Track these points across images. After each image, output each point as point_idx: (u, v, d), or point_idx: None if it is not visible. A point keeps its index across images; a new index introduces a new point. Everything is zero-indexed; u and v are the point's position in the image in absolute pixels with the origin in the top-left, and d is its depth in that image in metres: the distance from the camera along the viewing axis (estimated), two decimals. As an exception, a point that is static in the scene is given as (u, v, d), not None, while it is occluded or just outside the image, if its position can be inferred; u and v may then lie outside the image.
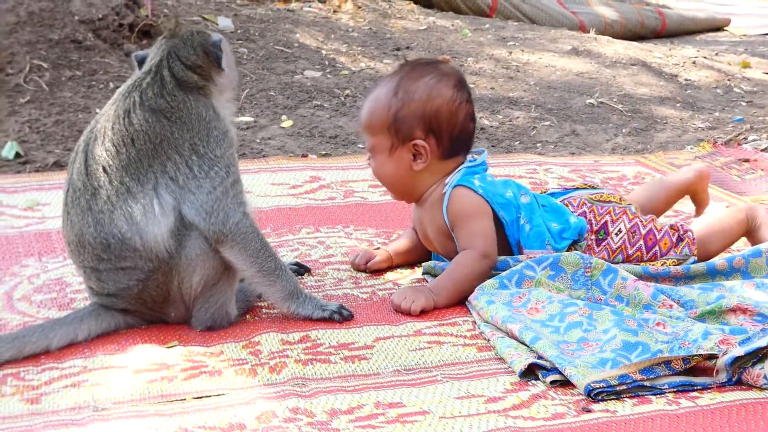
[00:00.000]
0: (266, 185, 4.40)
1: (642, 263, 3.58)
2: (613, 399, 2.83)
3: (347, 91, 5.95)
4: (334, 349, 3.06)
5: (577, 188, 3.80)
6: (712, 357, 2.91)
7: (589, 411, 2.76)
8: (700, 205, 4.09)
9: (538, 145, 5.38)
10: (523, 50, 7.38)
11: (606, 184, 4.59)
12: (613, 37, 8.60)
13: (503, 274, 3.37)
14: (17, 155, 4.69)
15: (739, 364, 2.90)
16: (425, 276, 3.60)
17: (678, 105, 6.37)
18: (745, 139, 5.50)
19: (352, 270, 3.65)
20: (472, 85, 6.12)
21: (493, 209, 3.46)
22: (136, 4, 6.17)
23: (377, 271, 3.64)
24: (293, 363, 2.95)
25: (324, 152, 5.00)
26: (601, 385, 2.81)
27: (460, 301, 3.38)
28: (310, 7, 8.05)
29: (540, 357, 2.96)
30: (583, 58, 7.31)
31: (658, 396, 2.85)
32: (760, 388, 2.90)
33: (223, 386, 2.84)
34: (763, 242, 3.69)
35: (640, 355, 2.95)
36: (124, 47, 5.96)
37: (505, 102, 6.06)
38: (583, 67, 7.08)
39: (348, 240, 3.91)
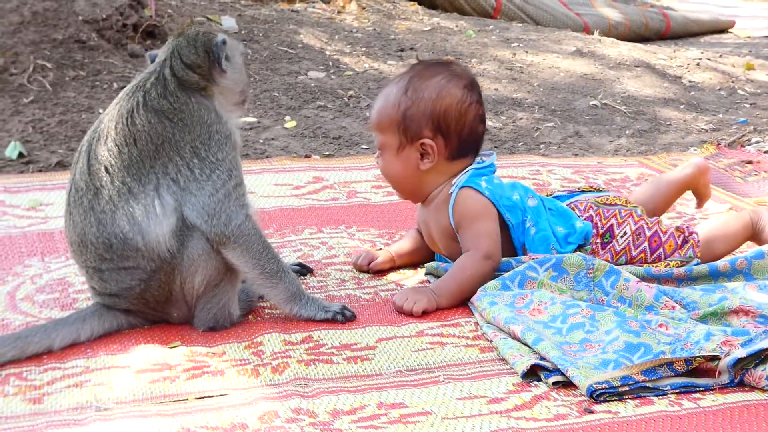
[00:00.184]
0: (269, 186, 4.40)
1: (645, 265, 3.58)
2: (616, 400, 2.83)
3: (351, 92, 5.95)
4: (336, 349, 3.06)
5: (583, 191, 3.79)
6: (715, 358, 2.91)
7: (591, 412, 2.76)
8: (701, 198, 4.07)
9: (542, 146, 5.38)
10: (527, 51, 7.38)
11: (609, 186, 4.59)
12: (617, 39, 8.59)
13: (506, 275, 3.37)
14: (20, 155, 4.70)
15: (742, 365, 2.90)
16: (428, 277, 3.60)
17: (682, 107, 6.37)
18: (749, 140, 5.50)
19: (354, 271, 3.65)
20: (475, 86, 6.10)
21: (499, 211, 3.46)
22: (140, 4, 6.18)
23: (380, 272, 3.64)
24: (296, 363, 2.95)
25: (327, 153, 5.00)
26: (604, 386, 2.81)
27: (462, 303, 3.38)
28: (314, 7, 8.05)
29: (542, 358, 2.96)
30: (587, 60, 7.31)
31: (661, 397, 2.85)
32: (763, 390, 2.90)
33: (226, 386, 2.84)
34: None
35: (643, 356, 2.94)
36: (127, 47, 5.97)
37: (509, 103, 6.06)
38: (587, 68, 7.07)
39: (351, 241, 3.91)
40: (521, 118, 5.79)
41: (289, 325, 3.18)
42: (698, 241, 3.64)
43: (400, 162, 3.48)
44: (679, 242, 3.63)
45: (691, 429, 2.71)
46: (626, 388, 2.83)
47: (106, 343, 3.07)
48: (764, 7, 12.97)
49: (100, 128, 3.09)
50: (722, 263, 3.53)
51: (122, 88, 5.31)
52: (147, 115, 3.03)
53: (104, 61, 5.78)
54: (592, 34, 8.68)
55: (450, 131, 3.45)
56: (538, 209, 3.53)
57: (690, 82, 7.06)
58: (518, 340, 3.08)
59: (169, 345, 3.06)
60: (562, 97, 6.29)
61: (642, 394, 2.85)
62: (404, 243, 3.73)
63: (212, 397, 2.79)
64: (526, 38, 7.90)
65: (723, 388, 2.91)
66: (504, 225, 3.48)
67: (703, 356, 2.91)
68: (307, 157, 4.90)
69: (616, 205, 3.65)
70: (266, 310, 3.31)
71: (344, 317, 3.23)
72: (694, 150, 5.33)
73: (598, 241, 3.57)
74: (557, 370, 2.91)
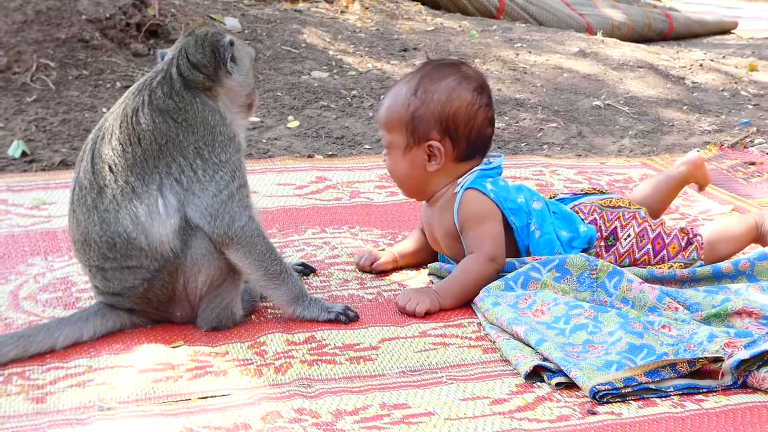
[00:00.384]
0: (272, 185, 4.40)
1: (649, 266, 3.57)
2: (619, 401, 2.83)
3: (354, 92, 5.95)
4: (339, 350, 3.06)
5: (586, 193, 3.78)
6: (718, 360, 2.91)
7: (594, 413, 2.76)
8: (701, 186, 4.07)
9: (545, 146, 5.38)
10: (530, 52, 7.38)
11: (612, 186, 4.58)
12: (621, 40, 8.59)
13: (509, 275, 3.37)
14: (24, 154, 4.70)
15: (745, 367, 2.90)
16: (431, 277, 3.60)
17: (684, 107, 6.37)
18: (752, 142, 5.50)
19: (357, 271, 3.65)
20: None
21: (503, 214, 3.45)
22: (144, 3, 6.17)
23: (383, 272, 3.64)
24: (298, 363, 2.95)
25: (330, 153, 5.00)
26: (607, 387, 2.81)
27: (465, 304, 3.38)
28: (317, 7, 8.05)
29: (545, 359, 2.96)
30: (590, 60, 7.31)
31: (664, 399, 2.85)
32: (765, 392, 2.90)
33: (229, 386, 2.84)
34: (772, 246, 3.69)
35: (646, 357, 2.94)
36: (131, 47, 5.97)
37: (512, 103, 6.05)
38: (590, 69, 7.07)
39: (353, 241, 3.90)
40: (524, 119, 5.79)
41: (292, 325, 3.18)
42: (702, 243, 3.64)
43: (406, 162, 3.48)
44: (683, 244, 3.63)
45: (694, 431, 2.71)
46: (629, 390, 2.83)
47: (109, 342, 3.07)
48: (767, 8, 12.96)
49: (104, 127, 3.09)
50: (725, 265, 3.53)
51: (125, 87, 5.34)
52: (152, 115, 3.03)
53: (107, 61, 5.78)
54: (595, 34, 8.68)
55: (458, 134, 3.44)
56: (542, 212, 3.53)
57: (693, 83, 7.05)
58: (521, 341, 3.07)
59: (172, 345, 3.06)
60: (565, 98, 6.29)
61: (645, 396, 2.85)
62: (407, 243, 3.73)
63: (215, 397, 2.79)
64: (529, 39, 7.90)
65: (726, 389, 2.91)
66: (508, 227, 3.47)
67: (706, 358, 2.91)
68: (310, 157, 4.90)
69: (619, 207, 3.65)
70: (269, 310, 3.31)
71: (347, 318, 3.23)
72: (697, 151, 5.32)
73: (602, 244, 3.57)
74: (560, 371, 2.91)
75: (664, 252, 3.61)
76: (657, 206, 3.89)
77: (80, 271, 3.41)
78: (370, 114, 5.62)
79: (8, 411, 2.70)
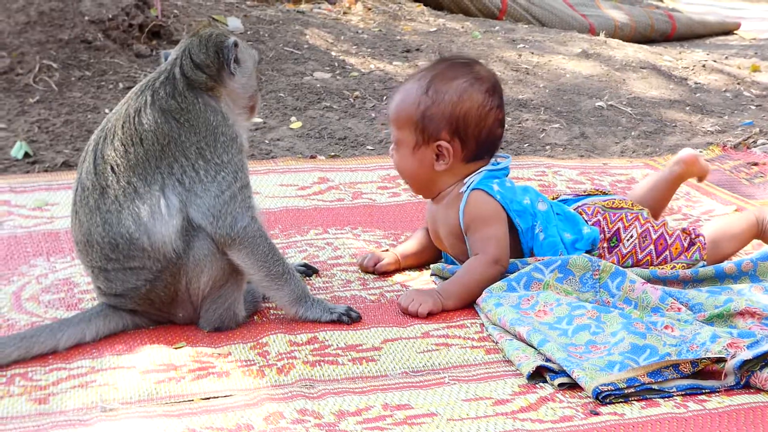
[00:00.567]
0: (275, 186, 4.40)
1: (651, 267, 3.57)
2: (621, 402, 2.82)
3: (356, 93, 5.95)
4: (341, 350, 3.06)
5: (590, 194, 3.78)
6: (721, 360, 2.91)
7: (597, 414, 2.76)
8: (701, 179, 4.06)
9: (547, 147, 5.38)
10: (532, 53, 7.38)
11: (615, 187, 4.58)
12: (623, 40, 8.58)
13: (511, 276, 3.37)
14: (26, 155, 4.70)
15: (748, 367, 2.90)
16: (433, 278, 3.60)
17: (687, 108, 6.36)
18: (755, 142, 5.49)
19: (360, 272, 3.65)
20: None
21: (508, 216, 3.45)
22: (146, 4, 6.18)
23: (385, 273, 3.63)
24: (301, 364, 2.95)
25: (333, 154, 5.00)
26: (609, 387, 2.80)
27: (468, 305, 3.38)
28: (319, 8, 8.05)
29: (548, 359, 2.96)
30: (592, 61, 7.30)
31: (667, 399, 2.85)
32: (769, 392, 2.90)
33: (231, 387, 2.84)
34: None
35: (648, 358, 2.94)
36: (133, 48, 5.97)
37: (515, 104, 6.05)
38: (592, 69, 7.07)
39: (356, 241, 3.90)
40: (527, 120, 5.79)
41: (295, 326, 3.18)
42: (705, 244, 3.64)
43: (415, 160, 3.48)
44: (686, 244, 3.63)
45: (697, 431, 2.71)
46: (632, 390, 2.83)
47: (112, 343, 3.07)
48: (770, 9, 12.96)
49: (107, 127, 3.09)
50: (728, 265, 3.53)
51: (128, 88, 5.34)
52: (154, 115, 3.04)
53: (110, 62, 5.78)
54: (598, 35, 8.67)
55: (468, 135, 3.43)
56: (547, 214, 3.52)
57: (696, 83, 7.05)
58: (524, 341, 3.07)
59: (174, 345, 3.06)
60: (567, 99, 6.29)
61: (648, 396, 2.85)
62: (409, 244, 3.73)
63: (218, 397, 2.79)
64: (531, 39, 7.90)
65: (729, 390, 2.91)
66: (513, 229, 3.47)
67: (709, 358, 2.91)
68: (312, 157, 4.90)
69: (622, 208, 3.64)
70: (272, 311, 3.31)
71: (350, 318, 3.23)
72: (700, 151, 5.32)
73: (605, 245, 3.57)
74: (563, 372, 2.91)
75: (667, 253, 3.60)
76: (655, 207, 3.89)
77: (83, 272, 3.41)
78: (373, 115, 5.62)
79: (11, 412, 2.71)
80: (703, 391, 2.89)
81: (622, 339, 3.02)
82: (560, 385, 2.89)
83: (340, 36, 7.21)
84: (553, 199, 3.73)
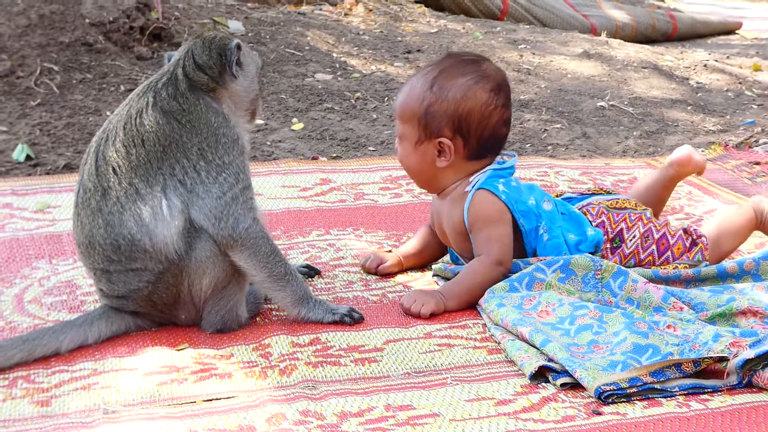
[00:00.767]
0: (276, 188, 4.40)
1: (653, 267, 3.57)
2: (624, 402, 2.82)
3: (358, 94, 5.95)
4: (344, 351, 3.06)
5: (593, 193, 3.77)
6: (723, 359, 2.91)
7: (599, 414, 2.76)
8: (699, 173, 4.04)
9: (549, 147, 5.38)
10: (534, 53, 7.38)
11: (617, 187, 4.58)
12: (624, 40, 8.58)
13: (513, 276, 3.37)
14: (28, 158, 4.70)
15: (750, 366, 2.90)
16: (435, 278, 3.59)
17: (689, 108, 6.36)
18: (756, 141, 5.49)
19: (362, 272, 3.65)
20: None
21: (513, 216, 3.44)
22: (147, 7, 6.18)
23: (387, 274, 3.63)
24: (303, 365, 2.95)
25: (334, 155, 5.00)
26: (612, 387, 2.80)
27: (470, 306, 3.38)
28: (321, 10, 8.05)
29: (550, 360, 2.96)
30: (594, 61, 7.30)
31: (669, 399, 2.85)
32: (771, 391, 2.90)
33: (234, 389, 2.84)
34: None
35: (651, 357, 2.94)
36: (134, 50, 5.97)
37: (516, 105, 6.05)
38: (594, 70, 7.07)
39: (358, 242, 3.90)
40: (529, 120, 5.79)
41: (297, 327, 3.18)
42: (707, 244, 3.63)
43: (417, 155, 3.47)
44: (688, 245, 3.62)
45: (699, 430, 2.71)
46: (634, 390, 2.83)
47: (114, 345, 3.07)
48: (772, 9, 12.96)
49: (108, 129, 3.09)
50: (730, 264, 3.53)
51: (129, 90, 5.34)
52: (155, 116, 3.04)
53: (111, 64, 5.79)
54: (599, 35, 8.67)
55: (470, 133, 3.43)
56: (552, 214, 3.51)
57: (697, 83, 7.05)
58: (526, 341, 3.07)
59: (176, 347, 3.06)
60: (569, 99, 6.29)
61: (650, 396, 2.85)
62: (411, 243, 3.72)
63: (220, 399, 2.79)
64: (533, 40, 7.90)
65: (731, 389, 2.91)
66: (517, 229, 3.46)
67: (711, 357, 2.90)
68: (314, 159, 4.90)
69: (626, 208, 3.63)
70: (274, 312, 3.31)
71: (352, 319, 3.23)
72: (702, 151, 5.32)
73: (608, 246, 3.56)
74: (565, 372, 2.91)
75: (669, 253, 3.60)
76: (653, 207, 3.88)
77: (85, 274, 3.41)
78: (374, 116, 5.62)
79: (13, 414, 2.71)
80: (706, 390, 2.89)
81: (625, 339, 3.02)
82: (562, 385, 2.89)
83: (342, 37, 7.21)
84: (557, 196, 3.72)
